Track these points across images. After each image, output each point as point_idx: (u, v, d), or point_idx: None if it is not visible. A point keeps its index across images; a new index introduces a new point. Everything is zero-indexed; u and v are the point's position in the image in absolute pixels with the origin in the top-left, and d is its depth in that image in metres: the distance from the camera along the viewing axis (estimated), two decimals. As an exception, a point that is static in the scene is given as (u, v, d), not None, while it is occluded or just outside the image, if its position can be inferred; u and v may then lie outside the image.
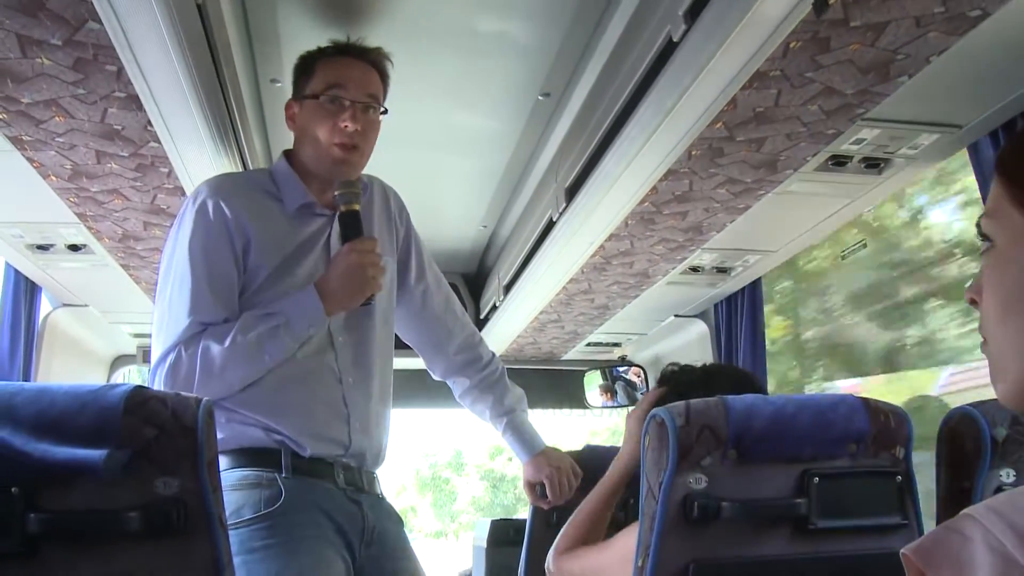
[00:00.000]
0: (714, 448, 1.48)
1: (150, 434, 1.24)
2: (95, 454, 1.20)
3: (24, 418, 1.21)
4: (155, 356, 1.85)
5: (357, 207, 1.95)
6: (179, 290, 1.86)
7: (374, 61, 2.03)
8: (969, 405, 1.51)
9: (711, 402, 1.51)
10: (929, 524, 1.58)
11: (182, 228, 1.90)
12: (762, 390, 1.92)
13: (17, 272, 3.32)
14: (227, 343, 1.80)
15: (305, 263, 1.95)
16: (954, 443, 1.53)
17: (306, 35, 2.20)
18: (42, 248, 2.94)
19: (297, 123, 2.03)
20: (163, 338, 1.85)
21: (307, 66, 2.03)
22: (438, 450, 31.46)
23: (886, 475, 1.56)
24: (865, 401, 1.58)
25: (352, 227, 1.94)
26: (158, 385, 1.82)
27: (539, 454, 2.22)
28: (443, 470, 31.27)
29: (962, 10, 1.59)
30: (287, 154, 2.06)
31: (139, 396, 1.26)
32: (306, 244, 1.97)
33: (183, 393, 1.31)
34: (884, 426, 1.56)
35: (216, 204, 1.89)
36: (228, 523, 1.36)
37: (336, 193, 1.95)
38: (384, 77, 2.06)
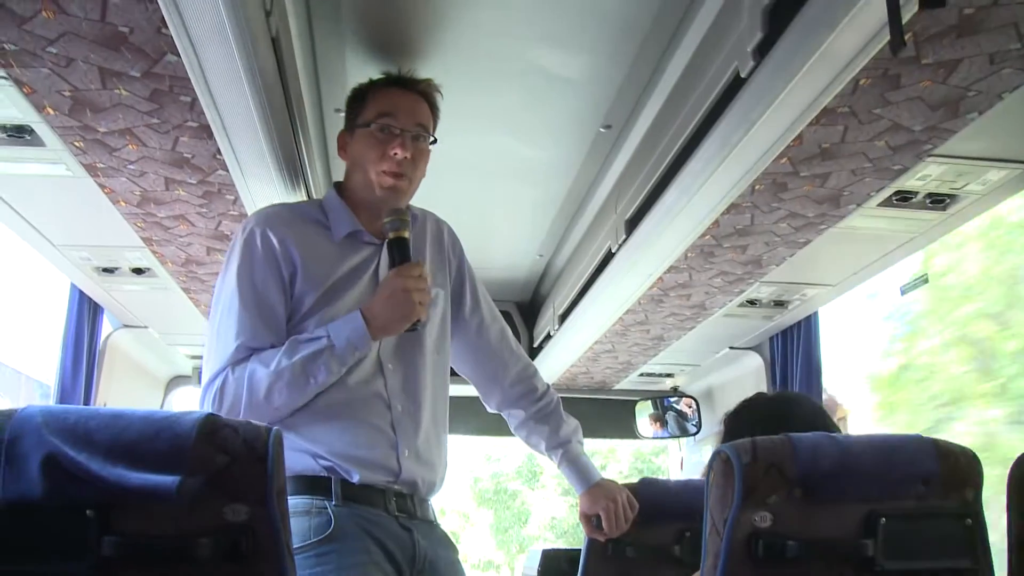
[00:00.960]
0: (780, 486, 1.46)
1: (221, 461, 1.26)
2: (169, 480, 1.22)
3: (100, 442, 1.24)
4: (204, 379, 1.89)
5: (406, 234, 1.97)
6: (227, 316, 1.89)
7: (424, 92, 2.07)
8: None
9: (777, 439, 1.50)
10: (1000, 570, 1.54)
11: (231, 257, 1.94)
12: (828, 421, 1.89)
13: (81, 293, 3.39)
14: (272, 367, 1.82)
15: (352, 291, 1.97)
16: None
17: (370, 66, 2.25)
18: (107, 271, 3.01)
19: (348, 152, 2.08)
20: (212, 362, 1.88)
21: (359, 97, 2.08)
22: (504, 453, 21.43)
23: (955, 517, 1.53)
24: (935, 442, 1.55)
25: (400, 253, 1.95)
26: (207, 408, 1.84)
27: (595, 486, 2.21)
28: (510, 480, 21.65)
29: None
30: (337, 185, 2.10)
31: (212, 424, 1.27)
32: (354, 272, 1.99)
33: (254, 421, 1.33)
34: (954, 467, 1.53)
35: (263, 233, 1.93)
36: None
37: (385, 220, 1.97)
38: (434, 107, 2.09)
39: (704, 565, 1.50)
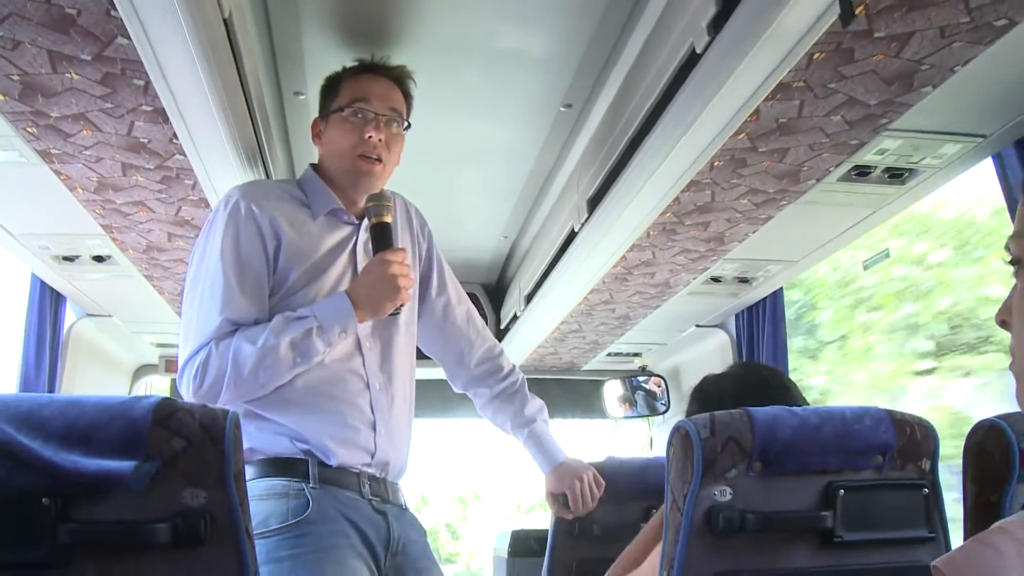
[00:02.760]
0: (739, 460, 1.48)
1: (178, 446, 1.25)
2: (124, 466, 1.21)
3: (54, 430, 1.22)
4: (184, 354, 1.87)
5: (389, 219, 2.00)
6: (210, 290, 1.88)
7: (396, 77, 2.10)
8: (997, 417, 1.49)
9: (735, 414, 1.51)
10: (956, 537, 1.57)
11: (213, 229, 1.93)
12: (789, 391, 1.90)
13: (43, 283, 3.35)
14: (259, 344, 1.82)
15: (333, 269, 1.99)
16: (981, 455, 1.52)
17: (329, 49, 2.23)
18: (68, 259, 2.98)
19: (323, 139, 2.09)
20: (193, 337, 1.87)
21: (332, 85, 2.10)
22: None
23: (913, 487, 1.55)
24: (890, 413, 1.57)
25: (383, 238, 1.97)
26: (186, 383, 1.84)
27: (561, 465, 2.22)
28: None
29: (987, 20, 1.59)
30: (313, 167, 2.10)
31: (167, 408, 1.26)
32: (334, 250, 2.01)
33: (209, 404, 1.32)
34: (910, 438, 1.55)
35: (248, 206, 1.93)
36: (255, 533, 1.37)
37: (368, 205, 2.00)
38: (407, 94, 2.12)
39: (665, 540, 1.51)
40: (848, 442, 1.52)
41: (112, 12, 1.56)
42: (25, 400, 1.27)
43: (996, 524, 0.69)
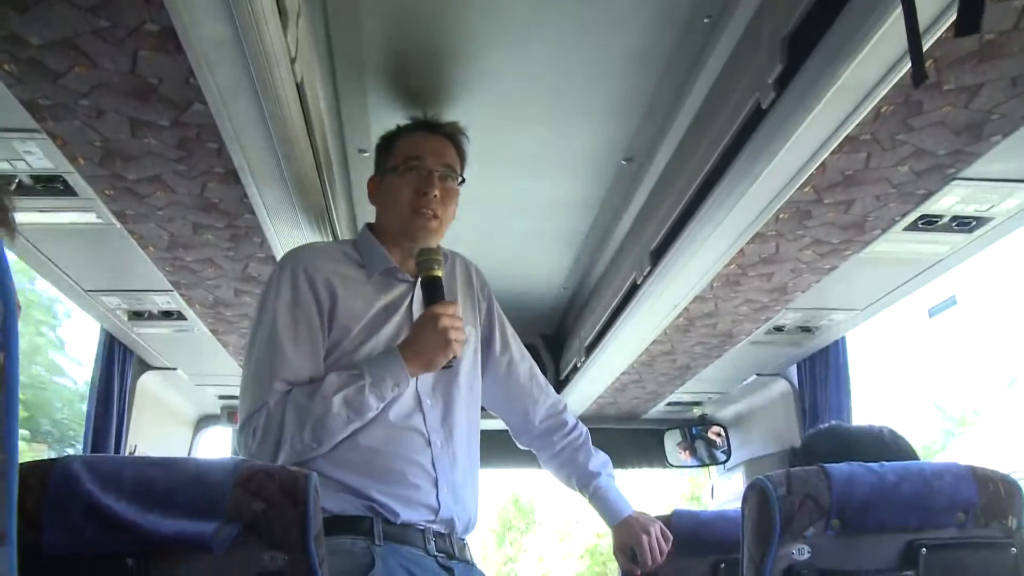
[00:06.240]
0: (817, 518, 1.45)
1: (258, 508, 1.26)
2: (205, 528, 1.23)
3: (137, 491, 1.25)
4: (241, 415, 1.89)
5: (439, 273, 2.00)
6: (267, 351, 1.90)
7: (449, 134, 2.12)
8: None
9: (812, 470, 1.49)
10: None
11: (269, 292, 1.96)
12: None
13: (111, 337, 3.41)
14: (313, 402, 1.83)
15: (388, 327, 1.99)
16: None
17: (393, 109, 2.28)
18: (137, 315, 3.05)
19: (378, 197, 2.12)
20: (251, 397, 1.89)
21: (387, 143, 2.13)
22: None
23: (999, 546, 1.51)
24: (972, 469, 1.53)
25: (434, 291, 1.97)
26: (245, 443, 1.85)
27: (628, 519, 2.19)
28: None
29: None
30: (369, 227, 2.13)
31: (247, 470, 1.28)
32: (389, 308, 2.01)
33: (290, 467, 1.33)
34: (994, 495, 1.51)
35: (304, 269, 1.96)
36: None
37: (418, 260, 2.00)
38: (460, 149, 2.14)
39: None
40: (929, 500, 1.49)
41: (191, 80, 1.62)
42: (108, 460, 1.29)
43: None
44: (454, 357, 1.94)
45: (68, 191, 2.10)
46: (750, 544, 1.48)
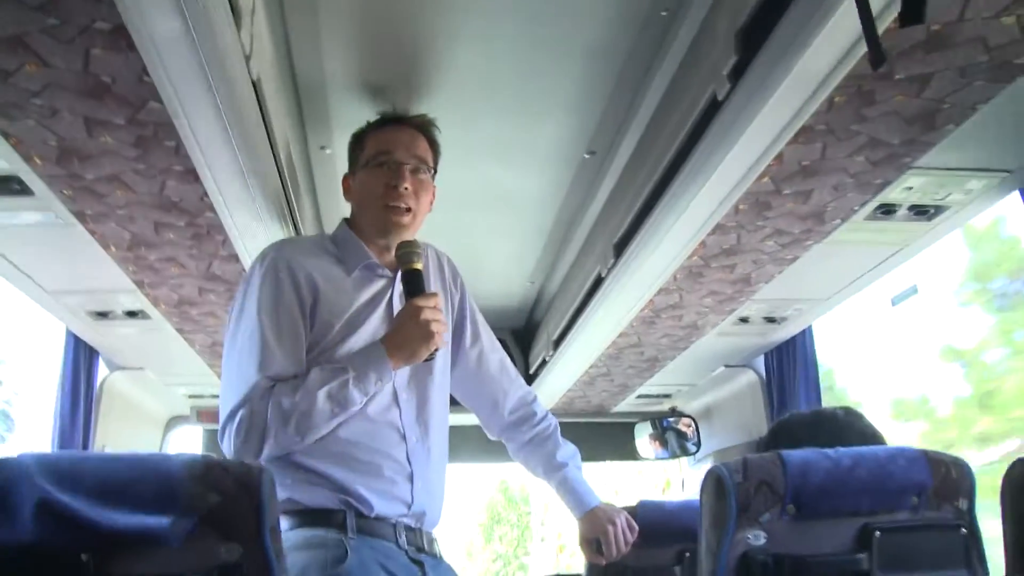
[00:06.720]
0: (772, 504, 1.46)
1: (214, 501, 1.26)
2: (161, 521, 1.22)
3: (91, 486, 1.24)
4: (224, 411, 1.87)
5: (419, 266, 2.00)
6: (248, 347, 1.89)
7: (419, 126, 2.11)
8: None
9: (768, 457, 1.50)
10: (997, 578, 1.54)
11: (250, 287, 1.95)
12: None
13: (76, 338, 3.39)
14: (297, 397, 1.82)
15: (369, 322, 1.99)
16: (1020, 494, 1.50)
17: (354, 103, 2.28)
18: (101, 315, 3.03)
19: (353, 193, 2.12)
20: (233, 394, 1.87)
21: (358, 140, 2.13)
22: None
23: (950, 528, 1.53)
24: (925, 452, 1.55)
25: (415, 284, 1.98)
26: (228, 440, 1.83)
27: (593, 510, 2.20)
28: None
29: (1007, 58, 1.60)
30: (347, 222, 2.13)
31: (202, 463, 1.28)
32: (369, 303, 2.02)
33: (245, 460, 1.33)
34: (946, 477, 1.53)
35: (286, 264, 1.95)
36: (293, 585, 1.37)
37: (398, 253, 2.00)
38: (432, 141, 2.13)
39: None
40: (882, 483, 1.50)
41: (145, 78, 1.61)
42: (64, 457, 1.28)
43: None
44: (436, 349, 1.95)
45: (25, 191, 2.08)
46: (707, 531, 1.49)
